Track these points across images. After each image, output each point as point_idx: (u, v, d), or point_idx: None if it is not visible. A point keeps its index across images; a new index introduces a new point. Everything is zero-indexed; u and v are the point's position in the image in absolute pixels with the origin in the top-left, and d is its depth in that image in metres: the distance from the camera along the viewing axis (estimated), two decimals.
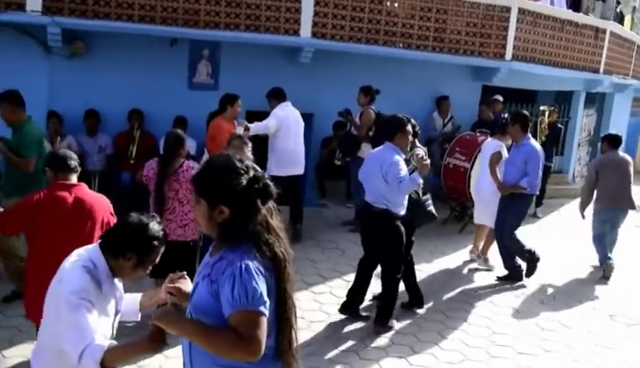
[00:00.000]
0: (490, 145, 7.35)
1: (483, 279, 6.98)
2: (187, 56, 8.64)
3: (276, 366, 2.34)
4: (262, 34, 8.28)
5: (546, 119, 9.78)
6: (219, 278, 2.20)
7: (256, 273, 2.18)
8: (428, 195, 5.79)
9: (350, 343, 5.26)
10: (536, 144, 6.87)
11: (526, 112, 7.27)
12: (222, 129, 6.86)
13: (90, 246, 2.75)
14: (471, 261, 7.42)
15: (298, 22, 8.47)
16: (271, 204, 2.34)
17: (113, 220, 4.11)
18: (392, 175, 5.14)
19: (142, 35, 7.89)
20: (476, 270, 7.23)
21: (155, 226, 2.72)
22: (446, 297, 6.39)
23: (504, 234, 6.77)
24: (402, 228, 5.36)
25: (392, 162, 5.20)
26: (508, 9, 9.79)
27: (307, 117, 8.74)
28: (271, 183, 2.32)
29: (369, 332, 5.43)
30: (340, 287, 6.24)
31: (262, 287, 2.17)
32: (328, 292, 6.22)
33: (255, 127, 7.17)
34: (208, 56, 8.74)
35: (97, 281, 2.63)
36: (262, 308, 2.16)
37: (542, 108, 10.07)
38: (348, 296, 5.69)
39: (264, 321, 2.17)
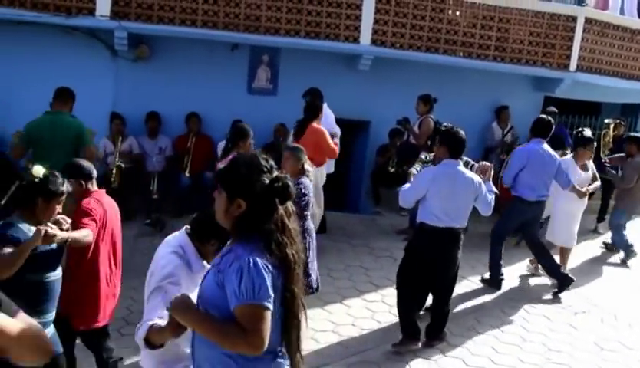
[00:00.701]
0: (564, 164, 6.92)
1: (538, 293, 6.80)
2: (247, 61, 8.77)
3: (281, 365, 2.40)
4: (321, 40, 8.33)
5: (611, 133, 9.46)
6: (225, 270, 2.25)
7: (264, 269, 2.22)
8: None
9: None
10: (535, 145, 6.67)
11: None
12: (321, 134, 6.64)
13: (177, 233, 3.01)
14: (531, 275, 7.23)
15: (358, 29, 8.48)
16: (289, 205, 2.38)
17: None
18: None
19: (204, 40, 8.06)
20: (533, 284, 7.05)
21: None
22: (500, 311, 6.25)
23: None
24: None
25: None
26: (574, 18, 9.54)
27: (363, 125, 8.76)
28: (291, 185, 2.36)
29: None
30: (392, 295, 6.15)
31: (268, 282, 2.22)
32: (380, 300, 6.17)
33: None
34: (268, 61, 8.85)
35: (186, 263, 2.90)
36: (266, 303, 2.21)
37: (606, 121, 9.74)
38: None
39: (269, 315, 2.22)
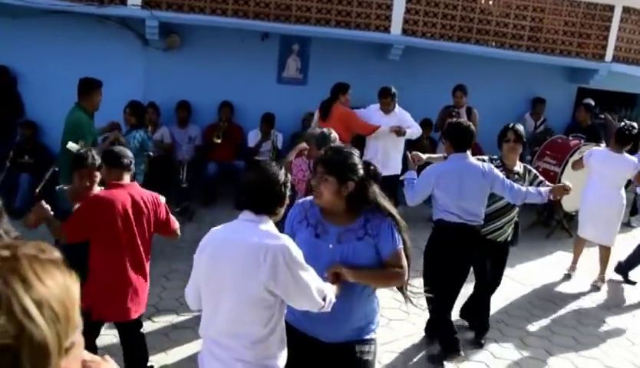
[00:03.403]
0: (625, 160, 6.62)
1: (568, 287, 6.71)
2: (277, 51, 8.78)
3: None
4: (352, 30, 8.29)
5: None
6: (379, 233, 2.98)
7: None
8: None
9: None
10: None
11: None
12: (354, 116, 7.15)
13: (262, 219, 2.68)
14: (568, 275, 7.08)
15: (388, 19, 8.42)
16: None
17: (164, 212, 4.06)
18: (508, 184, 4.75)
19: (234, 29, 8.07)
20: (561, 278, 6.95)
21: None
22: (529, 303, 6.19)
23: None
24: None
25: (496, 171, 4.78)
26: (611, 8, 9.32)
27: None
28: (379, 168, 3.11)
29: None
30: (417, 286, 6.13)
31: None
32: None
33: (415, 131, 7.47)
34: (298, 51, 8.84)
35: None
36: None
37: None
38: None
39: None
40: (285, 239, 2.61)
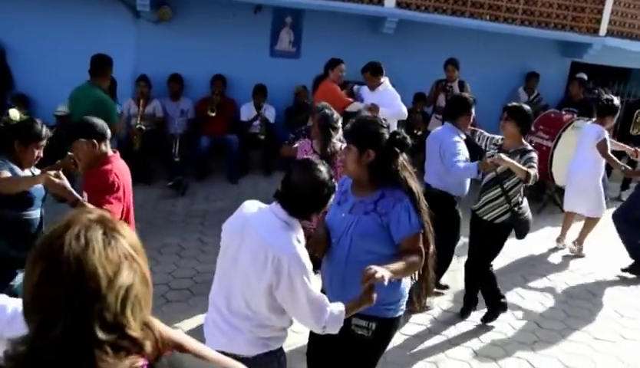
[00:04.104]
0: (591, 130, 6.67)
1: (559, 262, 6.77)
2: (270, 23, 8.71)
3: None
4: (345, 2, 8.20)
5: None
6: (389, 212, 2.87)
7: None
8: (525, 202, 4.94)
9: (420, 314, 5.24)
10: None
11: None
12: (335, 91, 6.85)
13: (291, 221, 2.60)
14: (556, 248, 7.15)
15: None
16: (405, 156, 2.97)
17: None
18: (449, 155, 4.87)
19: (227, 2, 7.99)
20: (551, 251, 7.01)
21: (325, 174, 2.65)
22: (521, 277, 6.24)
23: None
24: (459, 214, 5.18)
25: (451, 141, 4.93)
26: None
27: None
28: (408, 138, 2.94)
29: (438, 302, 5.40)
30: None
31: None
32: None
33: (391, 112, 6.57)
34: (290, 24, 8.77)
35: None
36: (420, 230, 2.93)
37: None
38: None
39: None
40: (300, 250, 2.50)
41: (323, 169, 2.61)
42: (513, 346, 4.90)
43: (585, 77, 9.08)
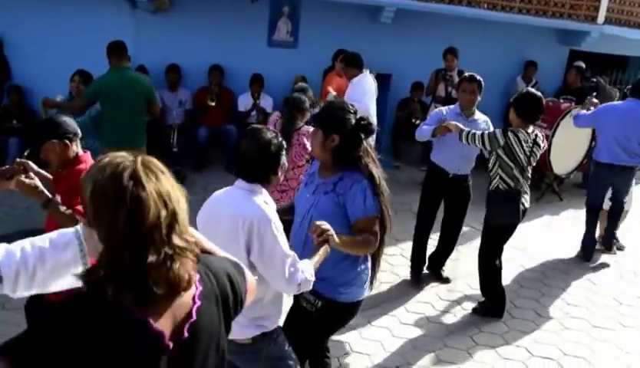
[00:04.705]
0: None
1: (558, 249, 6.79)
2: (268, 13, 8.67)
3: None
4: None
5: None
6: (346, 192, 2.93)
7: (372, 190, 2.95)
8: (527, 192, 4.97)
9: (419, 303, 5.26)
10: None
11: None
12: (328, 82, 7.02)
13: (254, 187, 2.69)
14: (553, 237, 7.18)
15: None
16: (369, 141, 3.09)
17: None
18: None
19: None
20: (549, 240, 7.03)
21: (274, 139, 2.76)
22: (520, 265, 6.26)
23: None
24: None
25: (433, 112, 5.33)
26: None
27: (384, 78, 8.65)
28: (373, 123, 3.05)
29: (437, 291, 5.41)
30: (410, 249, 6.20)
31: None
32: (399, 254, 6.20)
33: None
34: (288, 13, 8.73)
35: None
36: (378, 214, 2.97)
37: None
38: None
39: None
40: (267, 210, 2.59)
41: (266, 131, 2.73)
42: (512, 335, 4.92)
43: (582, 65, 9.09)
